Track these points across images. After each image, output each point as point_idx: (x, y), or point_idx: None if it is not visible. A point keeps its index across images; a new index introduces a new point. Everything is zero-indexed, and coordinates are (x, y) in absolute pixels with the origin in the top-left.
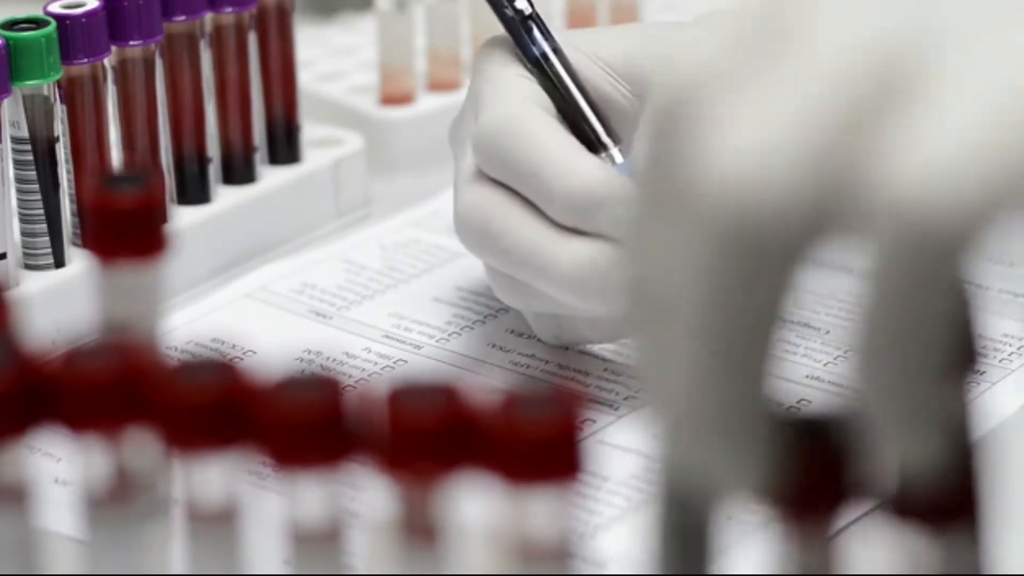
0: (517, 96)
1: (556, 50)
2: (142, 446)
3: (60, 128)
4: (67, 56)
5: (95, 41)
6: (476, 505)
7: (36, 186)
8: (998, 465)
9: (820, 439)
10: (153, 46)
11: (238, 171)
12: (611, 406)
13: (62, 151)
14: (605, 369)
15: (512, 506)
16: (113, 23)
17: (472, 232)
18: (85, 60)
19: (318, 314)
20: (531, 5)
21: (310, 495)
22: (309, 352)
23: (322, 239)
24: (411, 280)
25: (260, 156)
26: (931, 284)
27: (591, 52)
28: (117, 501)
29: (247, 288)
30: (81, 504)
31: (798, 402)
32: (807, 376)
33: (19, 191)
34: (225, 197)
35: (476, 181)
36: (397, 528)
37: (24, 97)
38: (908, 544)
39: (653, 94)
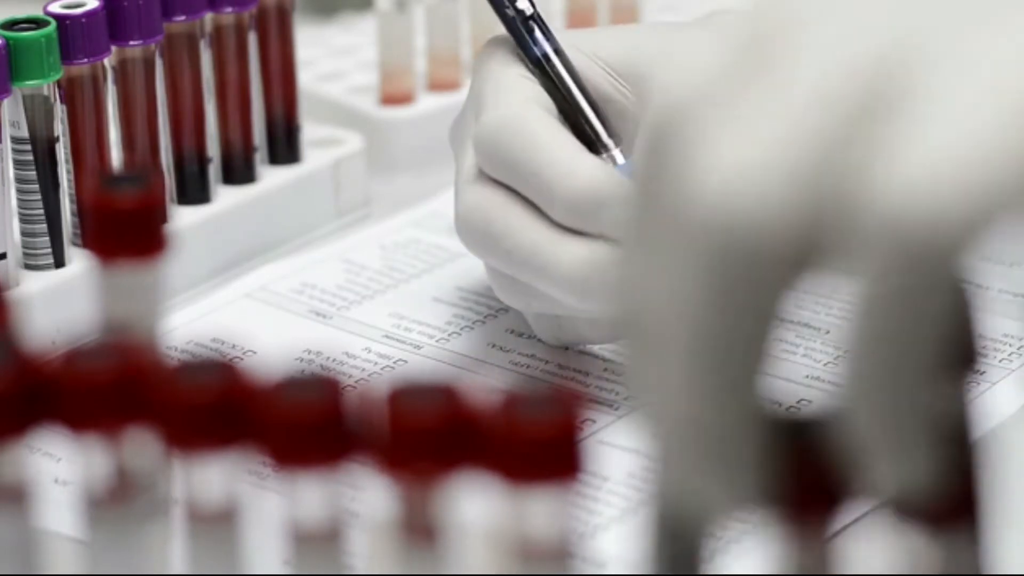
0: (518, 96)
1: (557, 50)
2: (142, 446)
3: (60, 128)
4: (67, 56)
5: (95, 41)
6: (476, 505)
7: (36, 186)
8: (998, 465)
9: (816, 441)
10: (153, 46)
11: (238, 171)
12: (611, 406)
13: (62, 151)
14: (605, 369)
15: (512, 506)
16: (113, 23)
17: (473, 232)
18: (85, 60)
19: (318, 314)
20: (532, 5)
21: (310, 495)
22: (309, 352)
23: (322, 239)
24: (411, 280)
25: (260, 156)
26: (923, 294)
27: (592, 52)
28: (117, 501)
29: (247, 288)
30: (81, 504)
31: (798, 402)
32: (807, 376)
33: (19, 191)
34: (225, 197)
35: (477, 181)
36: (397, 528)
37: (24, 97)
38: (908, 544)
39: (645, 112)
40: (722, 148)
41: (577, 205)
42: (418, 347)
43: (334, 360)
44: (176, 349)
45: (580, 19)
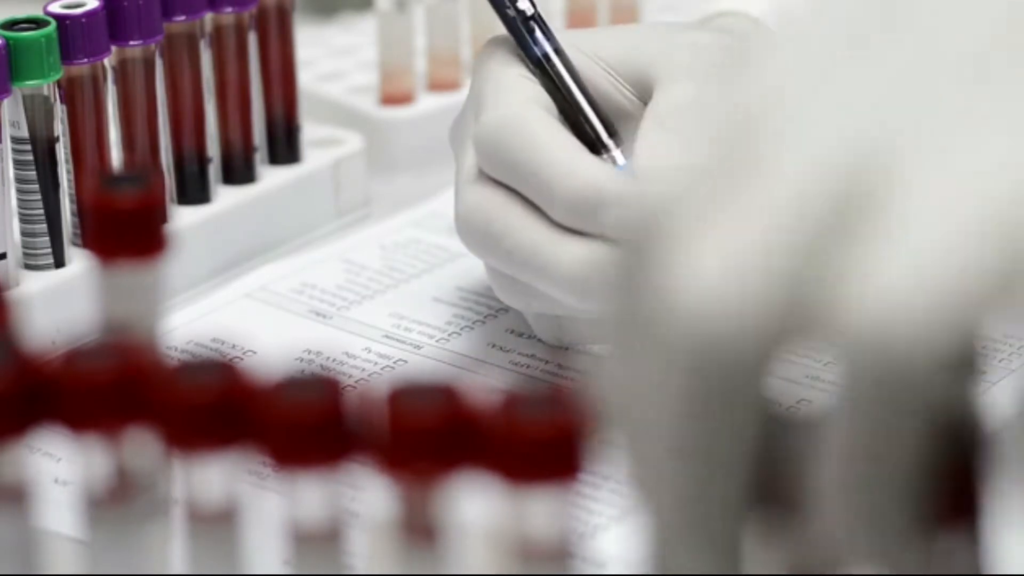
0: (519, 96)
1: (558, 50)
2: (142, 446)
3: (60, 128)
4: (67, 56)
5: (95, 41)
6: (476, 505)
7: (36, 186)
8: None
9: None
10: (153, 46)
11: (238, 171)
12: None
13: (62, 151)
14: None
15: (512, 506)
16: (113, 23)
17: (473, 232)
18: (85, 60)
19: (318, 314)
20: (533, 5)
21: (310, 495)
22: (309, 352)
23: (322, 239)
24: (411, 280)
25: (260, 156)
26: (900, 419)
27: (592, 52)
28: (117, 501)
29: (247, 288)
30: (81, 504)
31: (798, 402)
32: (807, 376)
33: (19, 191)
34: (225, 197)
35: (477, 181)
36: (397, 528)
37: (24, 97)
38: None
39: (620, 217)
40: (699, 258)
41: (577, 205)
42: (418, 347)
43: (334, 360)
44: (176, 349)
45: (580, 19)
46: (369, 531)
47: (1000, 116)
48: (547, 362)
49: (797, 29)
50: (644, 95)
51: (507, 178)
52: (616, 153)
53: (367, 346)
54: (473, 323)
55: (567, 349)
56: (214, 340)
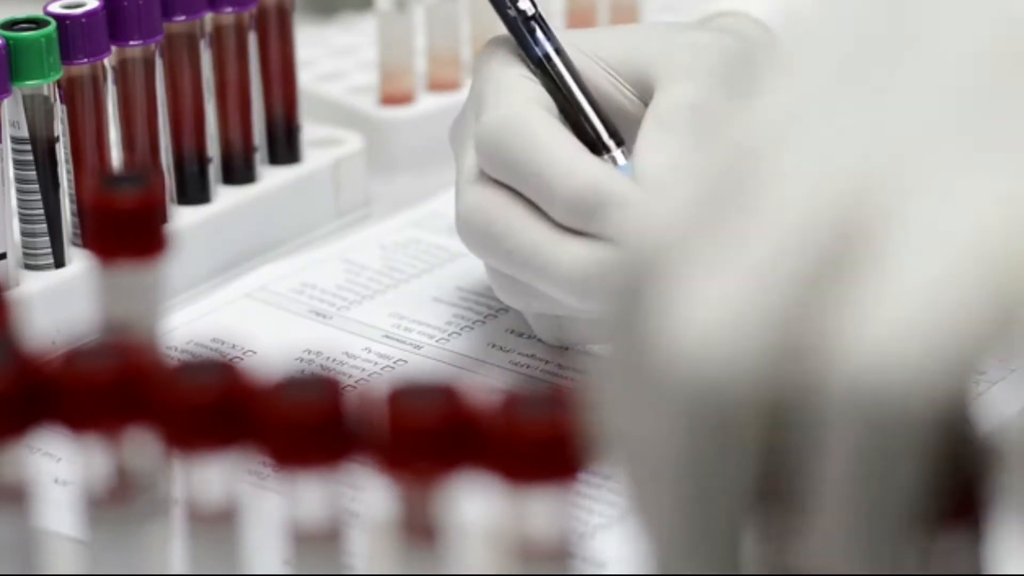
0: (519, 97)
1: (559, 50)
2: (142, 446)
3: (60, 128)
4: (67, 56)
5: (95, 41)
6: (476, 505)
7: (36, 186)
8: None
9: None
10: (153, 46)
11: (238, 171)
12: None
13: (62, 151)
14: None
15: (512, 506)
16: (113, 23)
17: (474, 233)
18: (85, 60)
19: (318, 314)
20: (534, 5)
21: (310, 495)
22: (309, 352)
23: (322, 239)
24: (411, 280)
25: (260, 156)
26: (893, 467)
27: (592, 52)
28: (117, 501)
29: (247, 288)
30: (81, 504)
31: None
32: None
33: (19, 191)
34: (225, 197)
35: (478, 182)
36: (397, 528)
37: (24, 97)
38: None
39: (615, 262)
40: (694, 304)
41: (577, 205)
42: (418, 347)
43: (334, 360)
44: (176, 349)
45: (580, 19)
46: (369, 531)
47: (997, 151)
48: (547, 362)
49: (795, 53)
50: (644, 95)
51: (507, 178)
52: (616, 153)
53: (367, 346)
54: (473, 323)
55: (567, 349)
56: (214, 340)
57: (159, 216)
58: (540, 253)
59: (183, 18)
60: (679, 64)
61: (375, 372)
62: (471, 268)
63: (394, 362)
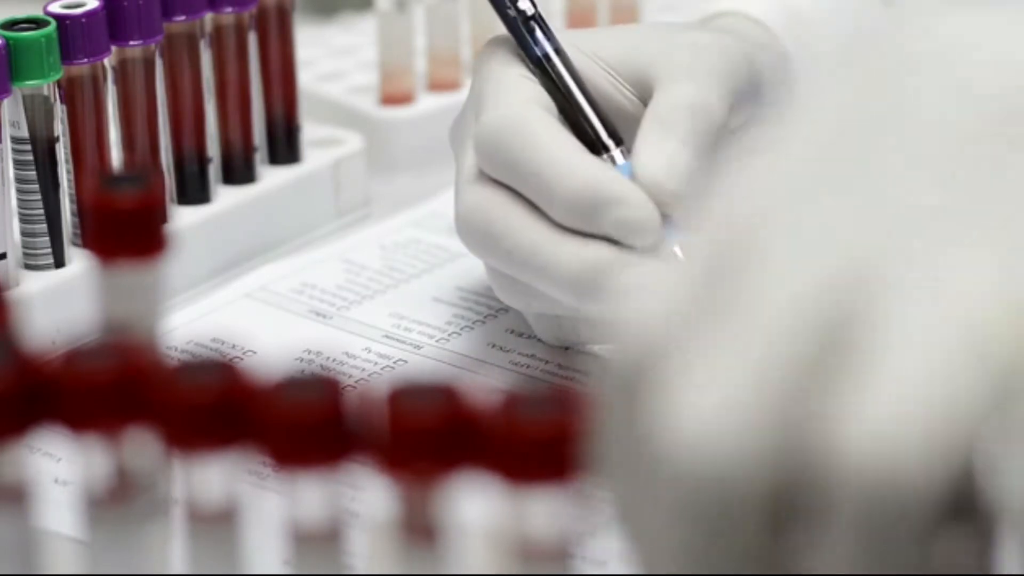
0: (519, 97)
1: (558, 51)
2: (142, 446)
3: (60, 128)
4: (67, 56)
5: (95, 41)
6: (476, 505)
7: (36, 186)
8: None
9: None
10: (153, 46)
11: (238, 171)
12: None
13: (62, 151)
14: None
15: (512, 506)
16: (113, 23)
17: (473, 233)
18: (85, 60)
19: (318, 314)
20: (534, 5)
21: (310, 495)
22: (309, 352)
23: (322, 239)
24: (411, 280)
25: (260, 156)
26: (897, 549)
27: (592, 52)
28: (117, 501)
29: (247, 288)
30: (81, 504)
31: None
32: None
33: (19, 191)
34: (225, 197)
35: (477, 182)
36: (397, 528)
37: (24, 97)
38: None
39: (612, 353)
40: (692, 396)
41: (577, 205)
42: (418, 347)
43: (334, 360)
44: (176, 349)
45: (580, 19)
46: (369, 531)
47: (983, 229)
48: (547, 362)
49: (784, 128)
50: (644, 95)
51: (507, 178)
52: (615, 153)
53: (367, 346)
54: (473, 323)
55: (567, 349)
56: (214, 340)
57: (159, 216)
58: (540, 253)
59: (183, 18)
60: (679, 64)
61: (375, 372)
62: (471, 268)
63: (394, 362)
